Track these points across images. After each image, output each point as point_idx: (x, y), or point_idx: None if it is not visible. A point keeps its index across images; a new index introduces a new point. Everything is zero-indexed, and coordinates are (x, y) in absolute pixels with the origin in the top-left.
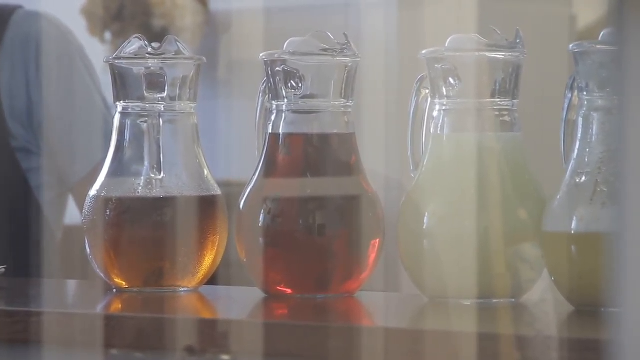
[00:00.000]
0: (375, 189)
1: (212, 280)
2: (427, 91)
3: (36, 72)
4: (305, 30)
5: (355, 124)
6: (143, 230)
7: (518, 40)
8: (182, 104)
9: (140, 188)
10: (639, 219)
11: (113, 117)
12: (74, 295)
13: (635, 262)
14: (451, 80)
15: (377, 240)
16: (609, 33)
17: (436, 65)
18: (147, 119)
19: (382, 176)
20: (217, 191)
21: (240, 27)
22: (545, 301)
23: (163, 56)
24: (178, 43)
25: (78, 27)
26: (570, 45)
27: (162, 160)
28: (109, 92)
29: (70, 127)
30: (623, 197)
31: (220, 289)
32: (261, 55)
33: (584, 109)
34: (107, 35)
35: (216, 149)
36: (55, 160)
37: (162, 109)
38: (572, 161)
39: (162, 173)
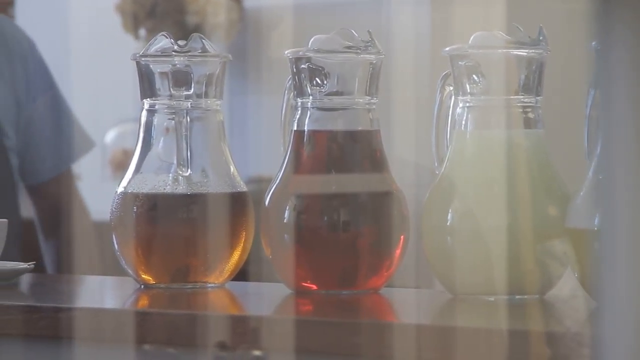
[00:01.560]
0: (409, 179)
1: (242, 276)
2: (451, 88)
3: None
4: (335, 28)
5: (388, 120)
6: (170, 227)
7: (541, 37)
8: (209, 101)
9: (167, 185)
10: (621, 216)
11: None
12: (102, 292)
13: (617, 258)
14: (475, 77)
15: (402, 236)
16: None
17: (460, 63)
18: (173, 116)
19: (415, 166)
20: (244, 188)
21: (271, 24)
22: (575, 297)
23: (189, 54)
24: (204, 40)
25: (113, 24)
26: (593, 42)
27: (189, 157)
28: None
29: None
30: (606, 195)
31: (246, 285)
32: (286, 52)
33: None
34: (142, 32)
35: (248, 145)
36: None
37: (189, 107)
38: (596, 157)
39: (189, 170)
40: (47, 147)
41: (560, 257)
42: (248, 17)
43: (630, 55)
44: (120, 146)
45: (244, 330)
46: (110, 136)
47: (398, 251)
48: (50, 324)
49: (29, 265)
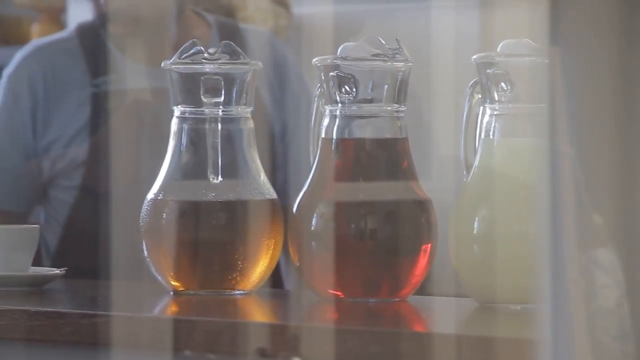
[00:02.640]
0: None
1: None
2: (480, 96)
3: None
4: (374, 33)
5: (429, 124)
6: (200, 234)
7: None
8: (239, 109)
9: (197, 192)
10: (558, 219)
11: None
12: (131, 297)
13: (556, 261)
14: (503, 85)
15: (429, 244)
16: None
17: (487, 70)
18: (204, 123)
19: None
20: (273, 195)
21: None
22: (621, 307)
23: (219, 61)
24: (235, 48)
25: None
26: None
27: (219, 164)
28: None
29: None
30: (542, 199)
31: (273, 292)
32: (314, 60)
33: None
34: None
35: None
36: None
37: (219, 114)
38: None
39: (219, 177)
40: None
41: (606, 266)
42: (297, 23)
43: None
44: None
45: (284, 337)
46: None
47: (425, 259)
48: (75, 329)
49: (60, 271)
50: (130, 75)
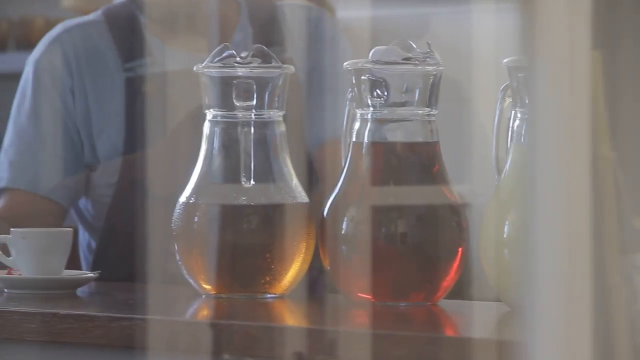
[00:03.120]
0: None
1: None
2: (511, 100)
3: None
4: (411, 38)
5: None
6: (232, 237)
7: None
8: (271, 112)
9: (229, 195)
10: (544, 222)
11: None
12: (163, 300)
13: (542, 264)
14: None
15: (460, 248)
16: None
17: (518, 74)
18: (236, 127)
19: None
20: (305, 199)
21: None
22: None
23: (251, 65)
24: (266, 52)
25: None
26: None
27: (252, 168)
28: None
29: None
30: (529, 203)
31: (304, 295)
32: (345, 64)
33: None
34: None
35: None
36: None
37: (251, 117)
38: None
39: (251, 181)
40: None
41: None
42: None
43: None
44: None
45: (321, 341)
46: None
47: (456, 263)
48: (105, 333)
49: (93, 274)
50: (166, 59)
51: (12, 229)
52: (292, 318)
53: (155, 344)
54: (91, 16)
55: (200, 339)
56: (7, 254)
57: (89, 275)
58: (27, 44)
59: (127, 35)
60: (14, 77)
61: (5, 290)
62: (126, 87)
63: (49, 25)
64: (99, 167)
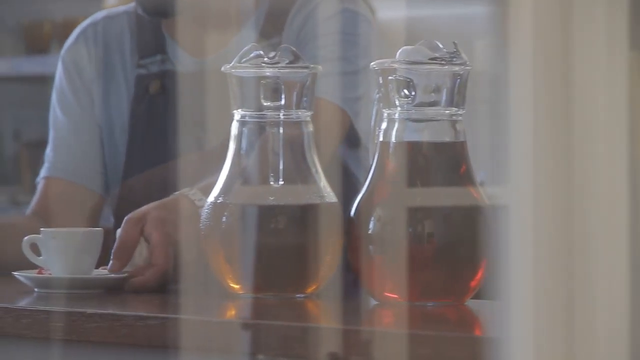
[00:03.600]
0: None
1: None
2: None
3: None
4: (443, 38)
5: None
6: (260, 237)
7: None
8: (299, 112)
9: (257, 195)
10: (519, 218)
11: None
12: (191, 300)
13: (517, 258)
14: None
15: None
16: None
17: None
18: (264, 127)
19: None
20: (333, 199)
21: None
22: None
23: (279, 65)
24: (294, 51)
25: None
26: None
27: (279, 168)
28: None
29: None
30: (506, 198)
31: (332, 295)
32: (372, 64)
33: None
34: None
35: None
36: None
37: (279, 117)
38: None
39: (280, 181)
40: None
41: None
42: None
43: None
44: None
45: (356, 342)
46: None
47: (483, 263)
48: (131, 332)
49: (123, 274)
50: (178, 58)
51: (42, 229)
52: (324, 318)
53: (184, 344)
54: (125, 7)
55: (233, 339)
56: (38, 253)
57: (119, 275)
58: None
59: (146, 29)
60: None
61: (36, 289)
62: (136, 83)
63: None
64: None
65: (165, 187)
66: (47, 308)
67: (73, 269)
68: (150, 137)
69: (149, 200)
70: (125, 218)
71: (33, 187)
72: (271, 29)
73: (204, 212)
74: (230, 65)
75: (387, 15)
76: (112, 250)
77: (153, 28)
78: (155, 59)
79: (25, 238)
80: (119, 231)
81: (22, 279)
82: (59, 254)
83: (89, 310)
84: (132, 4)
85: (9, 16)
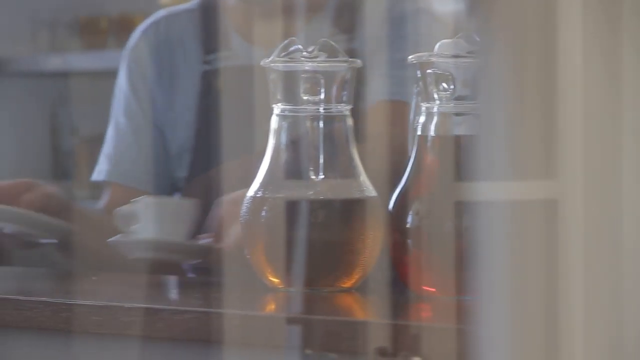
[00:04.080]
0: None
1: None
2: None
3: None
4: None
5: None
6: (299, 231)
7: None
8: (339, 107)
9: (297, 189)
10: (491, 215)
11: None
12: (230, 293)
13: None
14: None
15: None
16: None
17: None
18: (303, 121)
19: None
20: (373, 193)
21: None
22: None
23: (318, 59)
24: (333, 45)
25: None
26: None
27: (319, 162)
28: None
29: None
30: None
31: (370, 289)
32: (410, 57)
33: None
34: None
35: None
36: None
37: (319, 112)
38: None
39: (320, 175)
40: None
41: None
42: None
43: None
44: None
45: (404, 336)
46: None
47: None
48: (167, 325)
49: (211, 242)
50: (244, 53)
51: (135, 200)
52: (370, 312)
53: (225, 338)
54: (187, 5)
55: (278, 333)
56: (132, 222)
57: (211, 245)
58: (127, 42)
59: (211, 26)
60: (114, 75)
61: (129, 256)
62: (201, 80)
63: None
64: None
65: (234, 183)
66: (86, 302)
67: (168, 236)
68: (217, 133)
69: (218, 196)
70: (223, 199)
71: (89, 182)
72: (345, 22)
73: (244, 206)
74: (270, 59)
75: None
76: (211, 228)
77: (217, 23)
78: (220, 54)
79: (118, 209)
80: (216, 210)
81: (124, 243)
82: (153, 221)
83: (127, 304)
84: (195, 2)
85: (65, 12)
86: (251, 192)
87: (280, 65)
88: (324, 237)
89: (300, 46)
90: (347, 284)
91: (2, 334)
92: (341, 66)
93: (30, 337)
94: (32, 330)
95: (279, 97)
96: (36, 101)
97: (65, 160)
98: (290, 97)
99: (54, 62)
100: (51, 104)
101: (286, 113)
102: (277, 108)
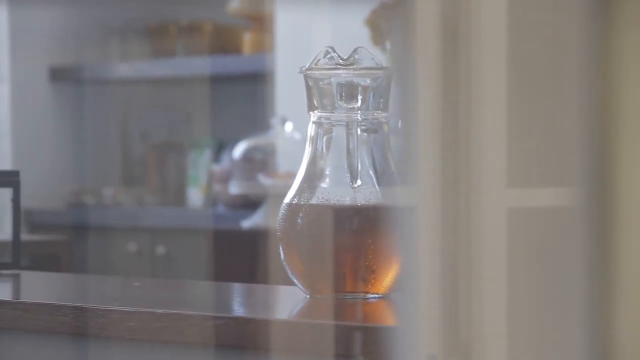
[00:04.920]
0: None
1: None
2: None
3: None
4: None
5: None
6: (336, 238)
7: None
8: (375, 114)
9: (333, 196)
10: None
11: None
12: (266, 299)
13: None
14: None
15: None
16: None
17: None
18: (340, 128)
19: None
20: None
21: None
22: None
23: (354, 67)
24: (369, 53)
25: (363, 38)
26: None
27: (355, 169)
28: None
29: None
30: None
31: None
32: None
33: None
34: (388, 46)
35: None
36: None
37: (356, 119)
38: None
39: (358, 181)
40: None
41: None
42: None
43: None
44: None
45: (454, 342)
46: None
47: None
48: (199, 332)
49: None
50: None
51: None
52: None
53: (262, 344)
54: None
55: (323, 340)
56: None
57: None
58: (195, 49)
59: None
60: (183, 82)
61: None
62: None
63: (217, 30)
64: None
65: None
66: (119, 308)
67: None
68: None
69: None
70: None
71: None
72: None
73: (280, 212)
74: (306, 67)
75: None
76: None
77: None
78: None
79: None
80: None
81: None
82: None
83: (159, 310)
84: None
85: (136, 20)
86: (287, 199)
87: (316, 73)
88: (359, 244)
89: (336, 54)
90: (381, 290)
91: (38, 339)
92: (377, 74)
93: (65, 342)
94: (66, 335)
95: (315, 104)
96: (107, 108)
97: (135, 166)
98: (327, 104)
99: (124, 70)
100: (121, 111)
101: (322, 120)
102: (314, 115)
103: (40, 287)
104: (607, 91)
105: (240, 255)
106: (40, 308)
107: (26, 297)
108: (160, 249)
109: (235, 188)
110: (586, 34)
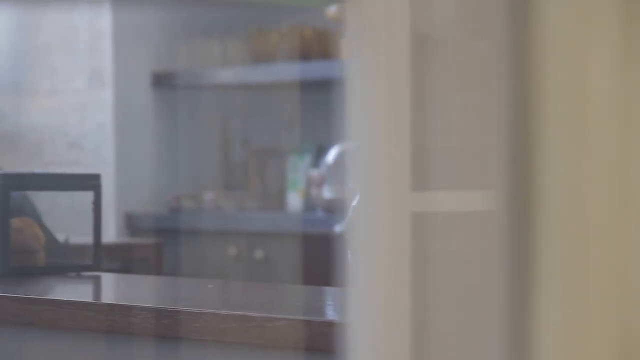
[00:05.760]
0: None
1: None
2: None
3: None
4: None
5: None
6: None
7: None
8: None
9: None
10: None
11: None
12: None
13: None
14: None
15: None
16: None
17: None
18: None
19: None
20: None
21: None
22: None
23: None
24: None
25: None
26: None
27: None
28: None
29: None
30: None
31: None
32: None
33: None
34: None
35: None
36: None
37: None
38: None
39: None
40: None
41: None
42: None
43: None
44: None
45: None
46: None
47: None
48: (260, 333)
49: None
50: None
51: None
52: None
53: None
54: None
55: None
56: None
57: None
58: (296, 54)
59: None
60: (282, 87)
61: None
62: None
63: (317, 36)
64: None
65: None
66: (183, 308)
67: None
68: None
69: None
70: None
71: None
72: None
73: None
74: None
75: None
76: None
77: None
78: None
79: None
80: None
81: None
82: None
83: (223, 312)
84: None
85: (236, 25)
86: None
87: None
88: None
89: None
90: None
91: (111, 339)
92: None
93: (135, 342)
94: (136, 335)
95: None
96: (208, 113)
97: (236, 171)
98: None
99: (225, 75)
100: (223, 116)
101: None
102: None
103: (117, 289)
104: (528, 93)
105: (335, 259)
106: (111, 309)
107: (103, 298)
108: (259, 253)
109: (328, 192)
110: (506, 29)
